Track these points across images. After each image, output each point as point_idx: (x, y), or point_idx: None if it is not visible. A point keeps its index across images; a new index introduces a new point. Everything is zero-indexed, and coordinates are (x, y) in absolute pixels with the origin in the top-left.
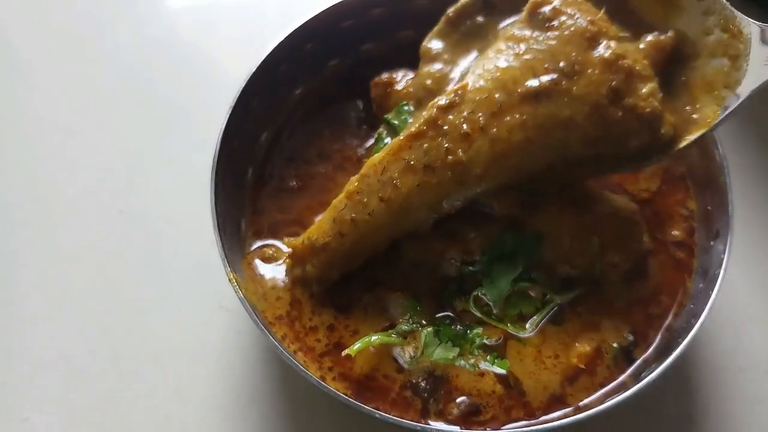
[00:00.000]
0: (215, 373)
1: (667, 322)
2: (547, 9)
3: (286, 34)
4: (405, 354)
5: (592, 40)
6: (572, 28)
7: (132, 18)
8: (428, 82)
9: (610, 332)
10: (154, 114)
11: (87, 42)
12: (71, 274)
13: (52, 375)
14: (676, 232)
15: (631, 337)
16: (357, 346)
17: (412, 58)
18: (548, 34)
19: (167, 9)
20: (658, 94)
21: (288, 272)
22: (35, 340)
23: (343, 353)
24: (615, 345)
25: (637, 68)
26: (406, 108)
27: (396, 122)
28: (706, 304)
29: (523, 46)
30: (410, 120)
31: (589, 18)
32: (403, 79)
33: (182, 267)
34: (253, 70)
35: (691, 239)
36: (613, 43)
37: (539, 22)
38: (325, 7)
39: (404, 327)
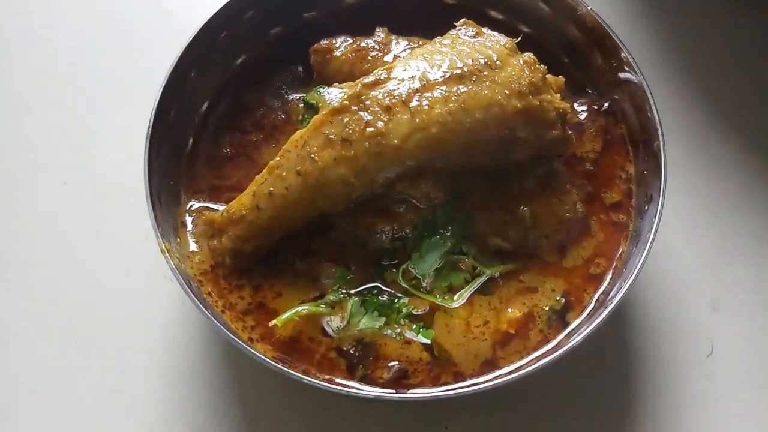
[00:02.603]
0: (160, 343)
1: (602, 286)
2: (473, 29)
3: (224, 3)
4: (333, 323)
5: (513, 51)
6: (494, 40)
7: None
8: (369, 57)
9: (544, 296)
10: (93, 85)
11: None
12: (14, 247)
13: None
14: (614, 195)
15: (563, 300)
16: (285, 316)
17: (355, 24)
18: (473, 41)
19: None
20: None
21: (205, 240)
22: None
23: (270, 324)
24: (547, 308)
25: (549, 79)
26: (322, 90)
27: (313, 102)
28: (636, 268)
29: (450, 44)
30: (329, 97)
31: (509, 39)
32: (342, 44)
33: (126, 239)
34: (188, 41)
35: (629, 202)
36: (529, 54)
37: (465, 35)
38: None
39: (332, 297)
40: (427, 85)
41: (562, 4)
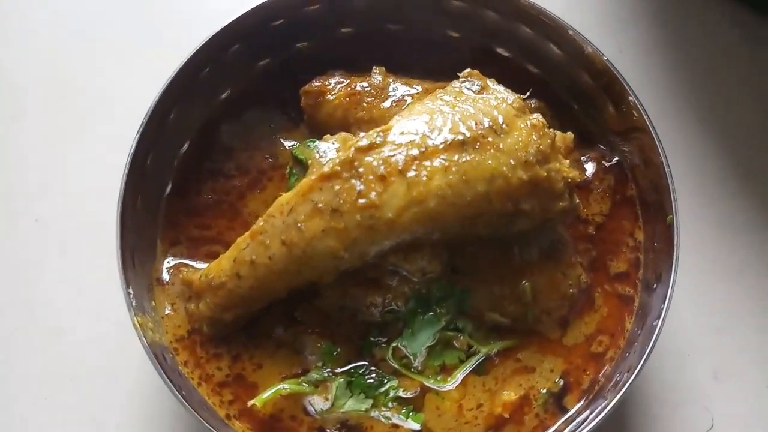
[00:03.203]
0: (132, 397)
1: (603, 367)
2: (477, 82)
3: (207, 38)
4: (316, 404)
5: (520, 110)
6: (501, 98)
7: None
8: (364, 103)
9: (541, 377)
10: (70, 116)
11: None
12: None
13: None
14: (621, 265)
15: (561, 382)
16: (265, 395)
17: (349, 58)
18: (478, 97)
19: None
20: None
21: (182, 302)
22: None
23: (249, 403)
24: (544, 391)
25: (558, 141)
26: (312, 144)
27: (302, 158)
28: (641, 357)
29: (452, 102)
30: (319, 153)
31: (516, 96)
32: (336, 87)
33: (98, 281)
34: (170, 79)
35: (636, 273)
36: (538, 115)
37: (469, 90)
38: (252, 6)
39: (316, 375)
40: (425, 153)
41: (573, 47)
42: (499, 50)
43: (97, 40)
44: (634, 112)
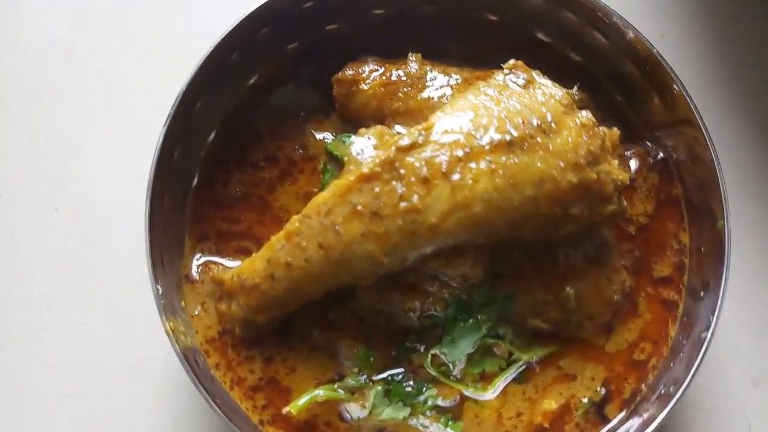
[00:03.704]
0: (159, 396)
1: (645, 376)
2: (523, 74)
3: (236, 22)
4: (352, 411)
5: (569, 107)
6: (549, 94)
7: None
8: (400, 94)
9: (582, 386)
10: (93, 103)
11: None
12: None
13: None
14: (664, 268)
15: (603, 391)
16: (300, 402)
17: (383, 41)
18: (524, 92)
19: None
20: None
21: (213, 302)
22: None
23: (284, 411)
24: (585, 400)
25: (607, 141)
26: (347, 140)
27: (338, 154)
28: (689, 370)
29: (497, 97)
30: (356, 149)
31: (564, 90)
32: (370, 75)
33: (124, 276)
34: (196, 68)
35: (680, 278)
36: (587, 113)
37: (514, 83)
38: None
39: (352, 381)
40: (470, 154)
41: (617, 33)
42: (540, 35)
43: (121, 28)
44: (680, 102)
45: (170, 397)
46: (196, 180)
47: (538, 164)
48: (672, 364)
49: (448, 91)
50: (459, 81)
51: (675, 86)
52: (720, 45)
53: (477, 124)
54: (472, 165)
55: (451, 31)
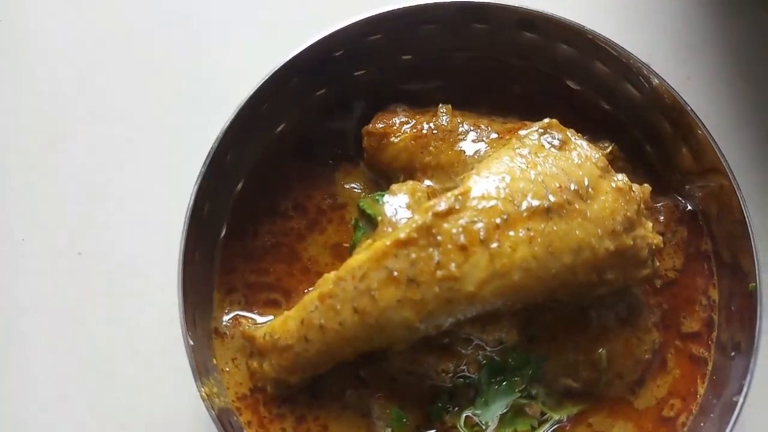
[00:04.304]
0: None
1: None
2: (558, 134)
3: (269, 74)
4: None
5: (605, 170)
6: (584, 156)
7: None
8: (431, 147)
9: None
10: (121, 147)
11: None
12: (24, 328)
13: None
14: (693, 324)
15: None
16: None
17: (411, 87)
18: (559, 154)
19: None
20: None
21: (244, 358)
22: None
23: None
24: None
25: (642, 202)
26: (381, 199)
27: (371, 213)
28: None
29: (532, 160)
30: (390, 210)
31: (600, 152)
32: (401, 128)
33: (149, 326)
34: (227, 123)
35: (709, 334)
36: (623, 176)
37: (549, 144)
38: (315, 39)
39: None
40: (508, 221)
41: (646, 83)
42: (570, 83)
43: (153, 76)
44: (705, 147)
45: None
46: (224, 231)
47: (577, 232)
48: (702, 424)
49: (481, 146)
50: (492, 135)
51: (700, 131)
52: (745, 85)
53: (514, 189)
54: (511, 233)
55: (479, 78)
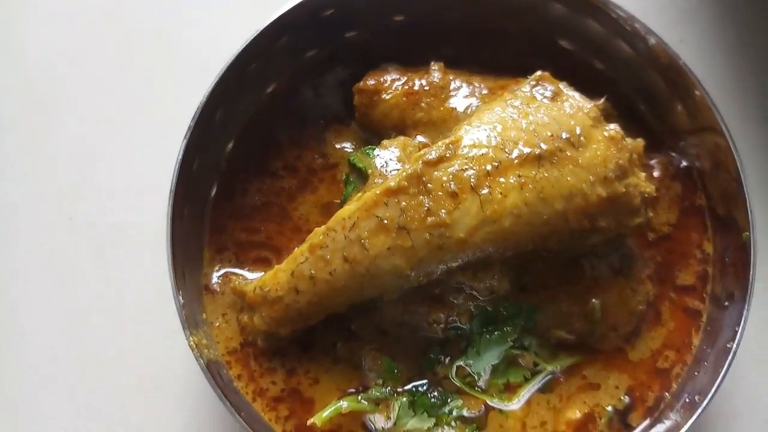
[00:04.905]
0: (178, 405)
1: (669, 385)
2: (550, 86)
3: (256, 33)
4: (376, 422)
5: (597, 120)
6: (577, 106)
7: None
8: (422, 104)
9: (606, 394)
10: (110, 112)
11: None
12: (17, 290)
13: None
14: (688, 277)
15: (627, 399)
16: (325, 414)
17: (403, 48)
18: (551, 105)
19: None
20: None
21: (234, 313)
22: None
23: (308, 422)
24: (609, 409)
25: (635, 154)
26: (371, 153)
27: (361, 166)
28: (713, 381)
29: (524, 110)
30: (380, 162)
31: (592, 103)
32: (392, 85)
33: (140, 285)
34: (215, 80)
35: (704, 287)
36: (616, 126)
37: (541, 95)
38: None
39: (376, 393)
40: (499, 168)
41: (642, 42)
42: (563, 43)
43: (140, 39)
44: (703, 108)
45: (190, 410)
46: (214, 190)
47: (568, 178)
48: (696, 373)
49: (473, 101)
50: (483, 91)
51: (697, 92)
52: (739, 49)
53: (505, 138)
54: (501, 180)
55: (471, 38)
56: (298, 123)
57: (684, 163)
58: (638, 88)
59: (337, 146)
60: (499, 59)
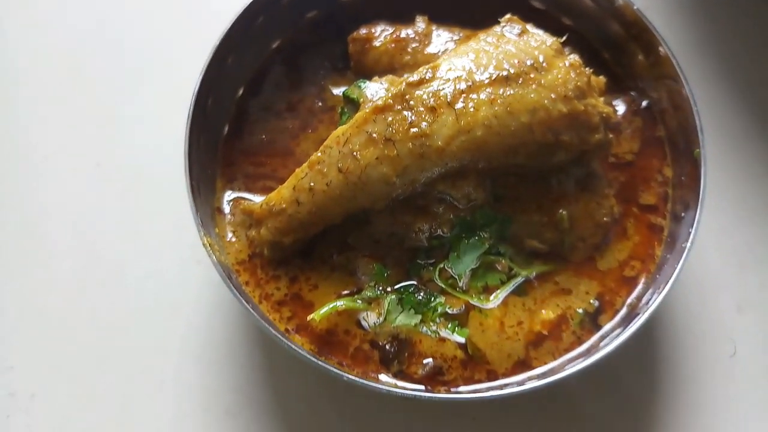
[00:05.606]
0: (192, 326)
1: (635, 290)
2: (518, 26)
3: None
4: (369, 319)
5: (558, 51)
6: (540, 40)
7: None
8: (409, 49)
9: (577, 299)
10: (128, 65)
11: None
12: (45, 230)
13: (32, 329)
14: (650, 198)
15: (596, 303)
16: (323, 311)
17: (393, 9)
18: (519, 40)
19: None
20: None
21: (243, 230)
22: (10, 295)
23: (308, 318)
24: (580, 311)
25: (593, 82)
26: (362, 84)
27: (354, 97)
28: (671, 276)
29: (495, 43)
30: (370, 92)
31: (554, 38)
32: (381, 34)
33: (159, 222)
34: (228, 26)
35: (665, 206)
36: (575, 55)
37: (510, 33)
38: None
39: (369, 293)
40: (472, 87)
41: (610, 3)
42: (534, 3)
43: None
44: (665, 62)
45: (203, 327)
46: (226, 130)
47: (532, 95)
48: (658, 276)
49: (452, 45)
50: (462, 37)
51: (661, 48)
52: (701, 12)
53: (478, 64)
54: (474, 96)
55: (452, 1)
56: (300, 74)
57: (644, 103)
58: (603, 40)
59: (335, 92)
60: (475, 18)
